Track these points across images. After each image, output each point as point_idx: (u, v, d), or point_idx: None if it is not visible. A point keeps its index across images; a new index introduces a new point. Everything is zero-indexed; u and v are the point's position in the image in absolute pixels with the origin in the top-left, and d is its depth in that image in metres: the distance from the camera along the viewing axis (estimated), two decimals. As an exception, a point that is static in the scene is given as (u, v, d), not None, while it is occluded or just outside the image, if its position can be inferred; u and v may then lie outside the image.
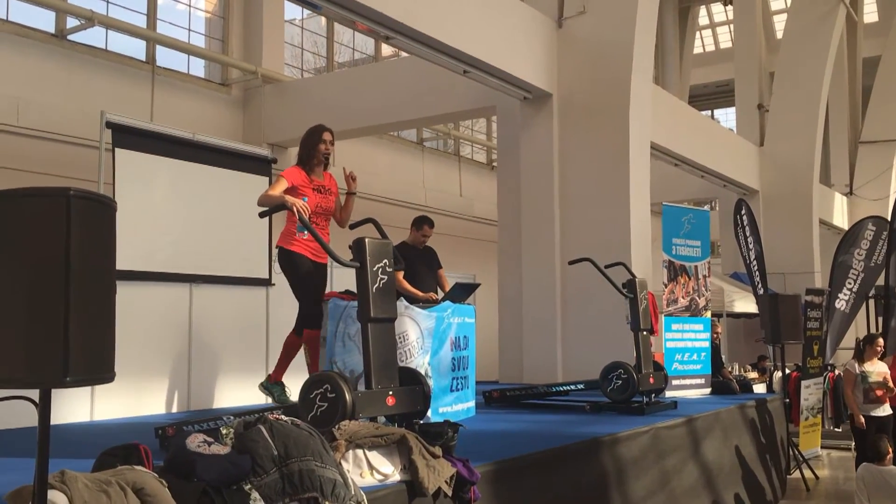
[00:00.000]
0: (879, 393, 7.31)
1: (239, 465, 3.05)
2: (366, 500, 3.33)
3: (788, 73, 16.55)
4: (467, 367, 6.25)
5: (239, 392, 7.16)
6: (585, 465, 4.83)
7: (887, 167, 21.18)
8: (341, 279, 5.74)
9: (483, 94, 10.46)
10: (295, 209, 4.52)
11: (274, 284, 7.55)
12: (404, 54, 13.93)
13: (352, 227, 4.82)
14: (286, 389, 5.60)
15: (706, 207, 17.03)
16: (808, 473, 8.61)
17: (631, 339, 9.21)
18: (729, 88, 27.81)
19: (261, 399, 7.46)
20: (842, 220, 20.35)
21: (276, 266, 5.43)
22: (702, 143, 13.77)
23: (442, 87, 10.95)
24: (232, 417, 4.54)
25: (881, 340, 7.73)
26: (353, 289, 6.03)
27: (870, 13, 24.31)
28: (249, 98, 12.66)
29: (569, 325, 9.63)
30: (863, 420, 7.47)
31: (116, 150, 6.47)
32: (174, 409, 6.78)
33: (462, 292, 6.35)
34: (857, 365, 7.50)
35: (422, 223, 6.85)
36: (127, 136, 6.57)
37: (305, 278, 5.17)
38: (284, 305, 7.56)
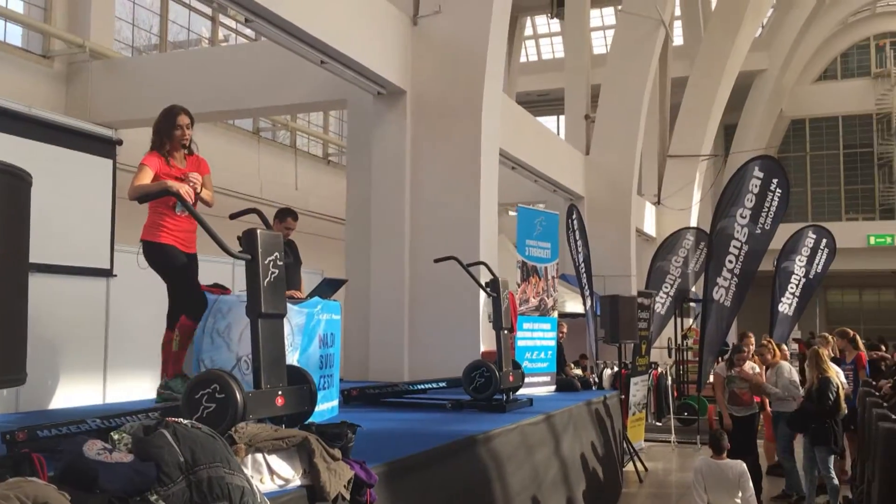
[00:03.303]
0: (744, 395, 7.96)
1: (144, 474, 2.78)
2: (270, 507, 3.14)
3: (613, 87, 17.56)
4: (333, 365, 6.09)
5: (76, 391, 6.57)
6: (469, 461, 4.85)
7: (690, 180, 22.98)
8: (208, 272, 5.40)
9: (333, 86, 10.27)
10: (182, 192, 4.18)
11: (116, 276, 6.99)
12: (242, 39, 13.38)
13: (232, 217, 4.53)
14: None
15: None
16: (639, 465, 9.16)
17: (476, 339, 9.43)
18: (550, 98, 29.18)
19: (98, 398, 6.91)
20: (651, 227, 21.85)
21: (141, 259, 4.93)
22: (537, 148, 14.29)
23: (289, 76, 10.65)
24: (98, 420, 4.13)
25: (746, 352, 8.40)
26: (222, 282, 5.74)
27: (676, 36, 26.31)
28: (74, 73, 11.68)
29: (416, 324, 9.64)
30: (730, 421, 8.06)
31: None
32: None
33: (329, 288, 6.19)
34: (725, 369, 8.07)
35: (285, 215, 6.60)
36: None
37: (181, 269, 4.79)
38: (127, 298, 7.05)
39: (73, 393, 6.57)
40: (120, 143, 7.28)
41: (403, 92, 9.75)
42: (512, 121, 12.88)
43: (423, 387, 7.03)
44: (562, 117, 28.80)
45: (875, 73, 32.86)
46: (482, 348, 9.16)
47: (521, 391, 7.82)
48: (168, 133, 4.87)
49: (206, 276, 5.22)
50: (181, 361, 4.91)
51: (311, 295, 6.03)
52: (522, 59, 29.83)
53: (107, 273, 6.98)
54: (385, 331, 9.63)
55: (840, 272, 16.18)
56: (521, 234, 8.48)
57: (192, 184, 4.55)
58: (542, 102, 29.06)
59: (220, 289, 5.37)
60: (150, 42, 14.63)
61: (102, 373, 6.97)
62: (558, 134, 21.50)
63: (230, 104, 11.44)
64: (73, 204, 6.73)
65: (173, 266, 4.76)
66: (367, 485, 3.78)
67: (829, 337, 9.59)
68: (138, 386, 6.90)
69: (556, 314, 9.02)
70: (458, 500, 4.59)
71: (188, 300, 4.82)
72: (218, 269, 7.00)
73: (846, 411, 7.57)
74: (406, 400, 7.14)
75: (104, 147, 7.05)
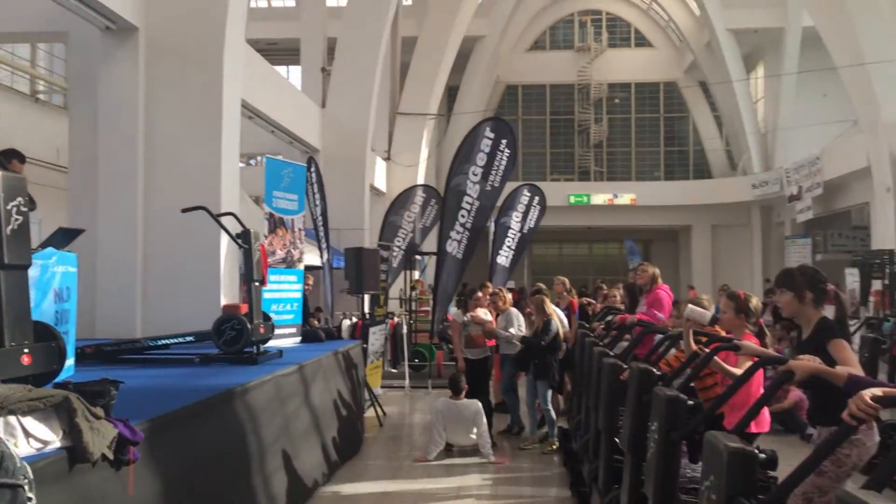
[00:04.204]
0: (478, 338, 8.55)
1: None
2: (30, 472, 2.92)
3: (350, 41, 17.60)
4: (69, 322, 5.65)
5: None
6: (229, 414, 4.80)
7: (418, 137, 23.83)
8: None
9: (52, 15, 9.29)
10: None
11: None
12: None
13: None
14: None
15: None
16: (378, 410, 9.53)
17: (216, 292, 9.18)
18: (280, 47, 28.59)
19: None
20: (382, 183, 22.39)
21: None
22: (274, 98, 14.00)
23: (-3, 0, 9.47)
24: None
25: (479, 294, 8.97)
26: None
27: (405, -5, 26.90)
28: None
29: (150, 278, 9.15)
30: (463, 364, 8.57)
31: None
32: None
33: (64, 238, 5.71)
34: (461, 315, 8.55)
35: (10, 157, 5.92)
36: None
37: None
38: None
39: None
40: None
41: (136, 29, 9.06)
42: (249, 68, 12.49)
43: (167, 342, 6.74)
44: (292, 68, 28.42)
45: (577, 47, 36.06)
46: (223, 301, 8.93)
47: (268, 343, 7.79)
48: None
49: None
50: None
51: (44, 245, 5.52)
52: (252, 4, 28.83)
53: None
54: (115, 285, 9.03)
55: (544, 228, 17.82)
56: (268, 186, 8.33)
57: None
58: (271, 51, 28.35)
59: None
60: None
61: None
62: (289, 84, 21.16)
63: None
64: None
65: None
66: (132, 442, 3.62)
67: (545, 287, 10.60)
68: None
69: (302, 266, 9.04)
70: (220, 452, 4.54)
71: None
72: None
73: (564, 350, 8.46)
74: (147, 356, 6.81)
75: None
